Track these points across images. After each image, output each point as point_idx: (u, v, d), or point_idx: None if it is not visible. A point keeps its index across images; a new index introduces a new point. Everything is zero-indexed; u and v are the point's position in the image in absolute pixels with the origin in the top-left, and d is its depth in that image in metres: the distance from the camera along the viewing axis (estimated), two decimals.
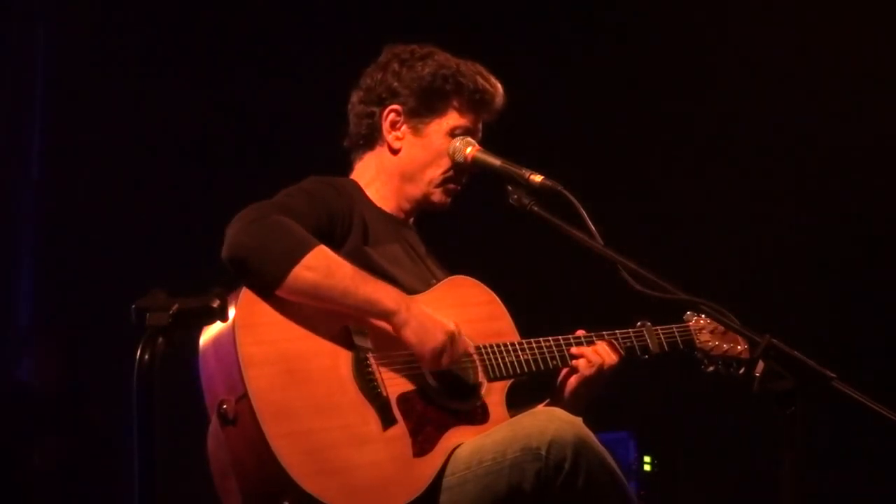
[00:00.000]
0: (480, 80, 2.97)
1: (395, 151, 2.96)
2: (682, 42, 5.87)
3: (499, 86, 3.01)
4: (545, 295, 5.74)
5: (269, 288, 2.58)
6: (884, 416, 2.31)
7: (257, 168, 5.43)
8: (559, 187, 2.76)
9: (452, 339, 2.68)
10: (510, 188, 2.81)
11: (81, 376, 5.82)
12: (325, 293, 2.59)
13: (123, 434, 5.72)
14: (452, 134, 2.95)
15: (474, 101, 2.96)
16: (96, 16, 6.01)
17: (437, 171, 2.95)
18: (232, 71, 5.92)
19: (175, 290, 2.17)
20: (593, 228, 2.68)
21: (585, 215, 2.69)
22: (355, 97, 3.02)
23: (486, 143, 2.95)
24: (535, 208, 2.76)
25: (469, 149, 2.92)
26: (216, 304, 2.16)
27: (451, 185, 2.98)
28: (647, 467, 5.52)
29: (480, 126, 3.01)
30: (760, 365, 2.31)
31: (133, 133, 5.91)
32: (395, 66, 2.97)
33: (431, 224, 3.11)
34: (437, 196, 2.98)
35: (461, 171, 2.97)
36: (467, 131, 2.96)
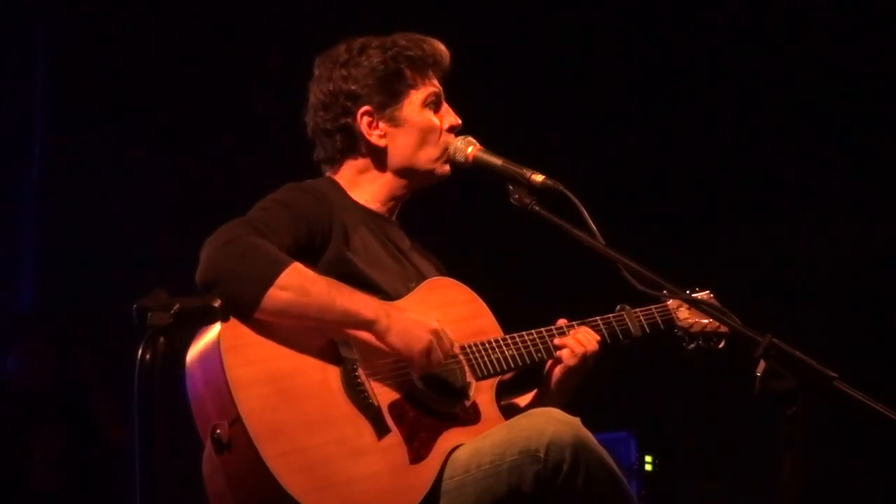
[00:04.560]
0: (426, 46, 2.95)
1: (382, 149, 2.92)
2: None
3: (439, 43, 2.98)
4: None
5: (246, 312, 2.54)
6: (885, 415, 2.30)
7: (258, 167, 5.43)
8: (560, 187, 2.75)
9: (437, 336, 2.67)
10: (511, 187, 2.80)
11: (81, 375, 5.82)
12: (302, 311, 2.57)
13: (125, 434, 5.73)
14: (425, 104, 2.93)
15: (428, 66, 2.94)
16: (96, 16, 6.01)
17: (431, 147, 2.92)
18: (233, 68, 5.92)
19: (175, 290, 2.17)
20: (594, 228, 2.67)
21: (586, 215, 2.68)
22: (315, 118, 2.95)
23: (487, 143, 2.95)
24: (537, 208, 2.75)
25: (470, 148, 2.91)
26: (217, 303, 2.16)
27: (447, 151, 2.95)
28: (647, 467, 5.52)
29: (439, 84, 2.98)
30: (762, 365, 2.30)
31: (133, 133, 5.91)
32: (341, 72, 2.92)
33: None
34: (440, 168, 2.94)
35: (448, 135, 2.95)
36: (435, 95, 2.95)
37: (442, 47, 2.98)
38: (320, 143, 2.97)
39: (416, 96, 2.92)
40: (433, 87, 2.95)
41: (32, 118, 6.24)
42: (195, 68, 5.92)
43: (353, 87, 2.90)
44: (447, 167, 2.95)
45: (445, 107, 2.97)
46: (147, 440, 2.04)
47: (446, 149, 2.93)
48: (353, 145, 2.93)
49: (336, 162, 2.97)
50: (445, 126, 2.94)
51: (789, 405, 2.26)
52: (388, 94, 2.90)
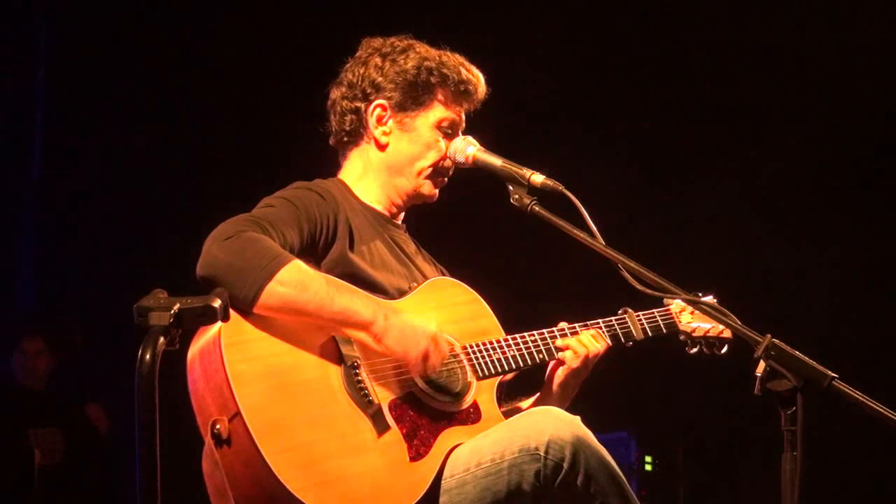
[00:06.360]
0: (464, 72, 2.96)
1: (382, 146, 2.95)
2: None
3: (481, 76, 3.00)
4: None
5: (245, 306, 2.55)
6: (884, 415, 2.30)
7: (258, 166, 5.43)
8: (560, 187, 2.76)
9: (435, 340, 2.67)
10: (511, 188, 2.80)
11: (80, 375, 5.82)
12: (300, 307, 2.57)
13: (125, 433, 5.74)
14: (439, 126, 2.94)
15: (459, 93, 2.96)
16: (96, 16, 6.01)
17: (425, 164, 2.94)
18: (231, 70, 5.92)
19: (175, 290, 2.16)
20: (594, 228, 2.67)
21: (586, 215, 2.68)
22: (337, 93, 2.99)
23: (488, 143, 2.95)
24: (537, 208, 2.75)
25: (470, 148, 2.92)
26: (217, 303, 2.15)
27: (440, 178, 2.98)
28: (647, 467, 5.53)
29: (464, 117, 2.99)
30: (761, 365, 2.30)
31: (132, 133, 5.91)
32: (377, 60, 2.95)
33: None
34: (427, 188, 2.96)
35: (448, 166, 2.96)
36: (452, 123, 2.96)
37: (481, 80, 2.99)
38: (332, 117, 3.00)
39: (434, 114, 2.94)
40: (455, 114, 2.96)
41: (32, 118, 6.25)
42: (195, 68, 5.92)
43: (380, 79, 2.93)
44: (435, 192, 2.98)
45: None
46: (147, 440, 2.03)
47: (438, 171, 2.94)
48: (357, 133, 2.96)
49: (340, 148, 2.99)
50: (448, 153, 2.95)
51: (789, 405, 2.26)
52: (410, 98, 2.93)
